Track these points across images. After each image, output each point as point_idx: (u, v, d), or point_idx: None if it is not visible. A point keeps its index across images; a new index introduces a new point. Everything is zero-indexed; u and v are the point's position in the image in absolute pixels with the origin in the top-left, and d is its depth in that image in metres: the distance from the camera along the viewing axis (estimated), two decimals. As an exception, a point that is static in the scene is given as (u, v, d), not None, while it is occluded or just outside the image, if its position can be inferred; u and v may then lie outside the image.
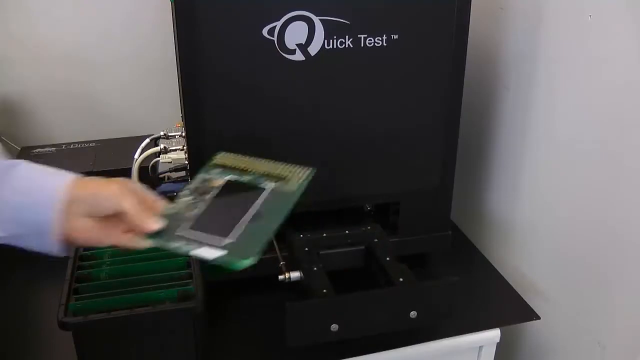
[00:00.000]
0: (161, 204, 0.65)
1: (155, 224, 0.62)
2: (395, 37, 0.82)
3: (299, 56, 0.79)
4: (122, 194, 0.61)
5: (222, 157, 0.75)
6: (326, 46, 0.80)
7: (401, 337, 0.85)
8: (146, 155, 1.04)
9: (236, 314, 0.91)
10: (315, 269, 0.82)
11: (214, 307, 0.89)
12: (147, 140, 1.05)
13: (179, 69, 0.80)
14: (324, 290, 0.77)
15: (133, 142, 1.08)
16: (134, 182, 0.64)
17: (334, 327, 0.73)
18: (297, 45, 0.79)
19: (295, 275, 0.83)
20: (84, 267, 0.78)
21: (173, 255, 0.79)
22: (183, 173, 1.00)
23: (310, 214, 0.89)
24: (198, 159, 0.82)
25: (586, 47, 0.85)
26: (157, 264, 0.79)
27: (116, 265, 0.79)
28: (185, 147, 0.93)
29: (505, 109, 1.05)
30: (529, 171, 1.01)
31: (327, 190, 0.89)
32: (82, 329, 0.70)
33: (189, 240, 0.62)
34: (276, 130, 0.83)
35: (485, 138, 1.11)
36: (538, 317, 0.91)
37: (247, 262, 0.59)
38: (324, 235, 0.89)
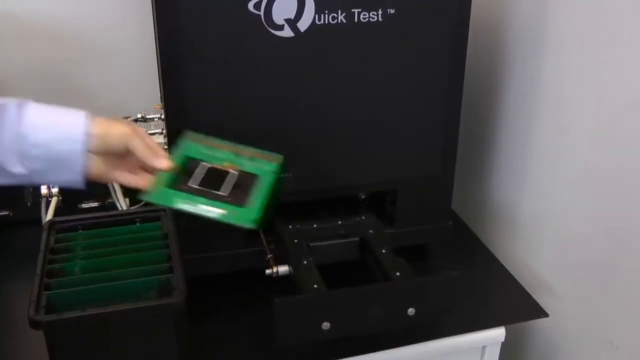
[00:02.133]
0: (164, 152, 0.70)
1: (164, 163, 0.68)
2: (392, 11, 0.81)
3: (287, 32, 0.78)
4: (132, 134, 0.68)
5: (191, 136, 0.77)
6: (317, 21, 0.79)
7: (398, 336, 0.84)
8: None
9: (221, 310, 0.89)
10: (305, 262, 0.81)
11: (197, 303, 0.87)
12: (124, 122, 1.05)
13: (157, 46, 0.79)
14: (315, 286, 0.76)
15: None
16: (140, 128, 0.71)
17: (326, 325, 0.72)
18: (285, 20, 0.78)
19: (283, 269, 0.82)
20: (56, 260, 0.76)
21: (153, 247, 0.78)
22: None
23: (301, 203, 0.89)
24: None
25: (595, 28, 0.83)
26: (135, 257, 0.76)
27: (91, 258, 0.77)
28: (164, 131, 0.92)
29: (510, 92, 1.03)
30: (536, 159, 0.99)
31: (318, 178, 0.88)
32: (55, 328, 0.68)
33: (193, 194, 0.69)
34: (263, 112, 0.82)
35: (490, 122, 1.10)
36: (546, 315, 0.90)
37: (252, 219, 0.67)
38: (315, 226, 0.89)
